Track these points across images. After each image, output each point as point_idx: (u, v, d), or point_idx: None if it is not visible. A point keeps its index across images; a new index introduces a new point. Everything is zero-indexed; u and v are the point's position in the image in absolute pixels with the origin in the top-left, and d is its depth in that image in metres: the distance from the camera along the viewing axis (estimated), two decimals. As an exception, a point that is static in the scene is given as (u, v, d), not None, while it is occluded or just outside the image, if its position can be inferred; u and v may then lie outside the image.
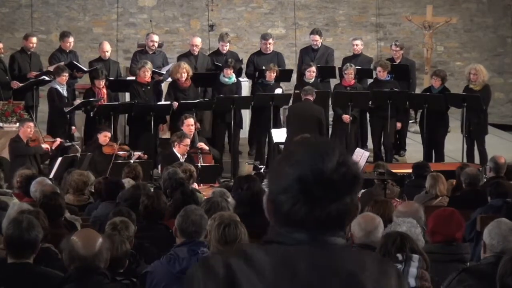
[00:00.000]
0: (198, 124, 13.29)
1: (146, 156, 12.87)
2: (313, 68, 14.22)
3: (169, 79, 14.29)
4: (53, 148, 12.66)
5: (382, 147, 14.23)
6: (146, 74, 13.79)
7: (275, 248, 2.23)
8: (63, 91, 13.61)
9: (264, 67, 14.32)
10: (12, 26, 18.06)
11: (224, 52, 14.88)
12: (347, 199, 2.22)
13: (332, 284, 2.19)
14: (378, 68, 14.21)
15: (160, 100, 14.17)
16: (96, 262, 4.69)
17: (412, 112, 15.74)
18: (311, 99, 13.22)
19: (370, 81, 14.93)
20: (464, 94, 13.97)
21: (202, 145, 12.98)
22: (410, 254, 4.87)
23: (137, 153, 12.70)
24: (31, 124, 12.43)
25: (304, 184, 2.19)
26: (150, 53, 14.80)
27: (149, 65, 13.83)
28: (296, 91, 13.92)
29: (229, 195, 7.77)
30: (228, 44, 14.98)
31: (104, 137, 12.63)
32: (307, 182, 2.19)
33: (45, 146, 12.45)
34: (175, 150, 11.73)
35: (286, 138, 12.88)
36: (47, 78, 13.90)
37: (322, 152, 2.22)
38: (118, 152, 12.56)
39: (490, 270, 4.46)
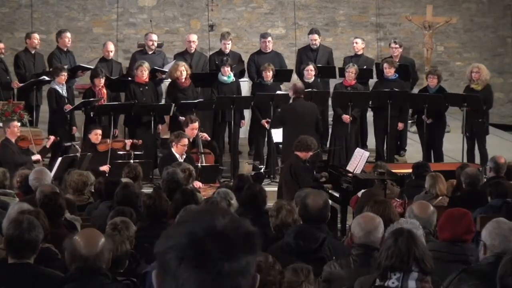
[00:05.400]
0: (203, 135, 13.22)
1: (140, 141, 12.89)
2: (311, 67, 14.16)
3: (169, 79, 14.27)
4: (48, 146, 12.60)
5: (385, 147, 14.16)
6: (144, 74, 13.60)
7: None
8: (62, 91, 13.56)
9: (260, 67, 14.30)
10: (12, 26, 18.07)
11: (227, 51, 14.82)
12: (242, 260, 2.03)
13: None
14: (385, 65, 14.12)
15: (160, 101, 14.14)
16: (97, 262, 4.68)
17: (410, 112, 15.69)
18: (302, 97, 13.06)
19: (372, 81, 14.88)
20: (464, 94, 13.93)
21: (204, 135, 13.00)
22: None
23: (130, 141, 12.73)
24: (15, 123, 12.31)
25: (193, 238, 2.00)
26: (150, 53, 14.73)
27: (146, 64, 13.68)
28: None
29: (233, 197, 7.76)
30: (229, 42, 14.90)
31: (95, 135, 12.51)
32: (197, 235, 2.00)
33: (35, 157, 12.19)
34: (174, 150, 11.71)
35: (283, 139, 12.76)
36: (46, 78, 13.87)
37: (213, 211, 2.09)
38: (114, 147, 12.56)
39: (490, 270, 4.45)
